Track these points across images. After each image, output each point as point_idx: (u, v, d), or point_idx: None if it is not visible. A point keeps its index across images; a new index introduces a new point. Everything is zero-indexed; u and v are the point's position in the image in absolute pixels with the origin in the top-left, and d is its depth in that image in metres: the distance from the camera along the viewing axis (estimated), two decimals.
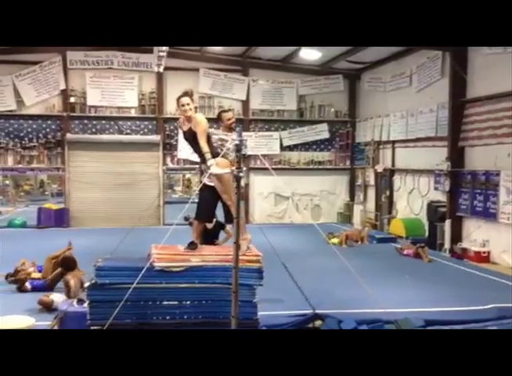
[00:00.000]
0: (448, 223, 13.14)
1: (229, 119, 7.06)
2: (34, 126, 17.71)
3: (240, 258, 5.13)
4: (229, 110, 7.42)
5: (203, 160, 6.10)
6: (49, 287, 8.66)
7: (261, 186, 18.34)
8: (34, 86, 17.43)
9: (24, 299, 8.18)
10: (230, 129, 6.97)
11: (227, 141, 6.43)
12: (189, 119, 6.23)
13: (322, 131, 19.28)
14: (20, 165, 17.81)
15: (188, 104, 6.20)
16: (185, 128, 6.28)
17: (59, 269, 8.68)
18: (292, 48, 16.68)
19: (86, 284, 6.01)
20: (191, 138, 6.25)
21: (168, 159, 18.45)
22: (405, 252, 12.78)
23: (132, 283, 5.15)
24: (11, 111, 17.46)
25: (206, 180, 6.28)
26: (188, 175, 24.71)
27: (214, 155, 6.02)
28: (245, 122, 18.28)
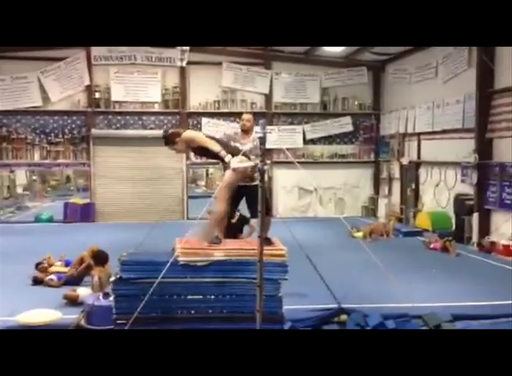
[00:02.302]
0: (475, 216, 12.90)
1: (243, 119, 7.06)
2: (60, 122, 17.90)
3: (265, 252, 5.09)
4: (249, 113, 7.45)
5: (223, 161, 6.13)
6: (76, 280, 8.76)
7: (284, 179, 18.27)
8: (59, 82, 17.62)
9: (51, 293, 8.28)
10: (245, 132, 6.93)
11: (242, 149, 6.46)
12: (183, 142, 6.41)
13: (345, 124, 19.09)
14: (47, 161, 18.04)
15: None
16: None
17: (87, 263, 8.77)
18: None
19: (112, 279, 6.05)
20: (201, 152, 6.48)
21: (192, 153, 18.45)
22: (432, 246, 12.60)
23: (157, 278, 5.15)
24: (37, 107, 17.68)
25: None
26: (211, 170, 24.73)
27: (233, 153, 6.04)
28: (268, 116, 18.18)
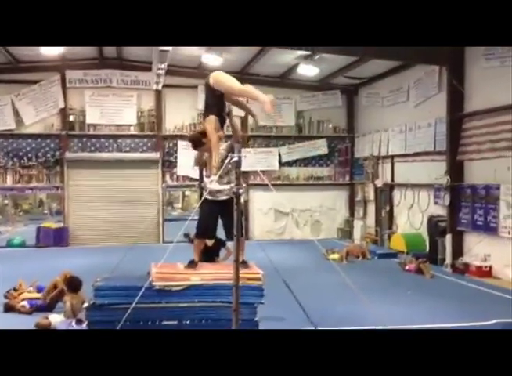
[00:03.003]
0: (448, 238, 13.06)
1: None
2: (33, 145, 17.69)
3: (241, 275, 5.07)
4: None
5: (206, 177, 5.94)
6: (48, 306, 8.59)
7: (260, 202, 18.29)
8: (33, 105, 17.47)
9: (23, 320, 8.08)
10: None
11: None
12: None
13: (321, 147, 19.30)
14: (19, 184, 17.77)
15: None
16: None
17: (60, 288, 8.62)
18: (290, 64, 16.74)
19: (85, 305, 5.94)
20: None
21: (168, 176, 18.42)
22: (407, 268, 12.71)
23: (131, 303, 5.08)
24: (10, 130, 17.47)
25: (206, 195, 6.19)
26: (187, 192, 24.67)
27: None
28: (244, 138, 18.23)
